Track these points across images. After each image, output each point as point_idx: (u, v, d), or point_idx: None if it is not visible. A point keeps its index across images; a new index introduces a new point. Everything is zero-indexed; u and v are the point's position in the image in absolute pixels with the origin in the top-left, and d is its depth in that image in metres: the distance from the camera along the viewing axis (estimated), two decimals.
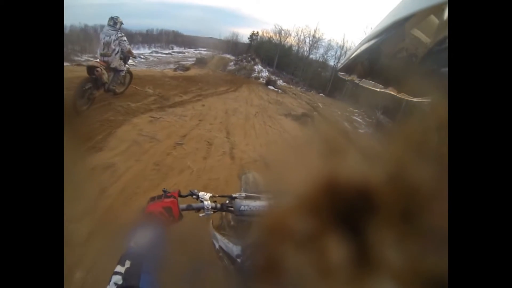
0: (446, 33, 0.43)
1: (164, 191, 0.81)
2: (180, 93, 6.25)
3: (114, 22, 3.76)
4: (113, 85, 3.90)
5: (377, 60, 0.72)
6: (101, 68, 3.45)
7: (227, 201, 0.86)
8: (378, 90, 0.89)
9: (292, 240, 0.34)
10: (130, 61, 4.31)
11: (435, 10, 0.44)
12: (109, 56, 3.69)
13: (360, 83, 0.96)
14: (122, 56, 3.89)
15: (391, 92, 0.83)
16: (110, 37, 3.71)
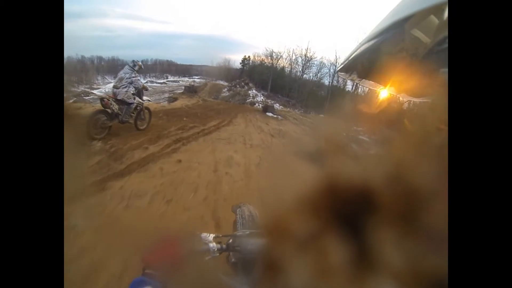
0: (446, 33, 0.43)
1: (166, 237, 0.72)
2: (148, 141, 4.08)
3: (134, 64, 4.51)
4: (125, 117, 4.37)
5: (377, 60, 0.72)
6: (108, 98, 3.99)
7: (230, 240, 0.83)
8: (377, 90, 0.89)
9: (293, 243, 0.34)
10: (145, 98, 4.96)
11: (435, 10, 0.44)
12: (118, 88, 4.29)
13: (360, 83, 0.96)
14: (134, 91, 4.48)
15: (391, 92, 0.83)
16: (125, 75, 4.38)
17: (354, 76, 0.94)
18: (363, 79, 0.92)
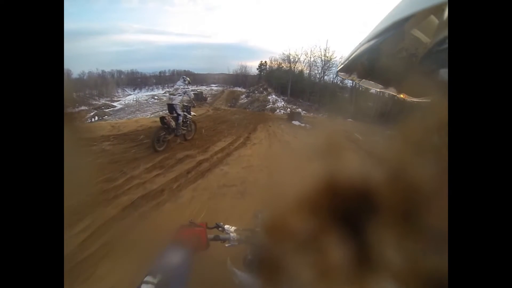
0: (446, 33, 0.43)
1: (192, 222, 0.85)
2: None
3: (184, 80, 5.50)
4: (179, 132, 5.07)
5: (377, 60, 0.72)
6: (168, 117, 4.79)
7: (249, 234, 0.88)
8: (378, 90, 0.89)
9: (293, 242, 0.34)
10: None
11: (435, 10, 0.44)
12: (174, 95, 5.17)
13: (360, 83, 0.96)
14: (185, 104, 5.34)
15: (391, 92, 0.83)
16: (180, 86, 5.34)
17: (354, 76, 0.94)
18: (363, 79, 0.92)
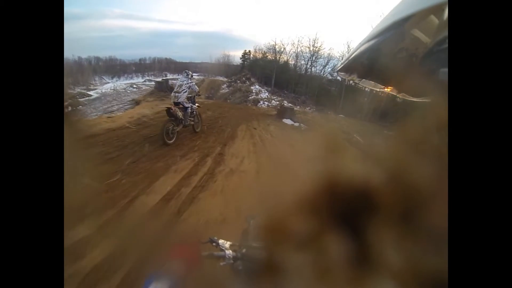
0: (446, 33, 0.43)
1: (184, 238, 0.79)
2: None
3: (187, 74, 5.42)
4: (187, 122, 5.09)
5: (377, 60, 0.72)
6: (173, 108, 4.77)
7: (244, 250, 0.82)
8: (378, 90, 0.89)
9: (292, 241, 0.34)
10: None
11: (435, 10, 0.44)
12: (179, 93, 5.14)
13: (360, 83, 0.96)
14: (189, 96, 5.29)
15: (391, 92, 0.83)
16: (183, 82, 5.26)
17: (354, 76, 0.94)
18: (363, 79, 0.92)
